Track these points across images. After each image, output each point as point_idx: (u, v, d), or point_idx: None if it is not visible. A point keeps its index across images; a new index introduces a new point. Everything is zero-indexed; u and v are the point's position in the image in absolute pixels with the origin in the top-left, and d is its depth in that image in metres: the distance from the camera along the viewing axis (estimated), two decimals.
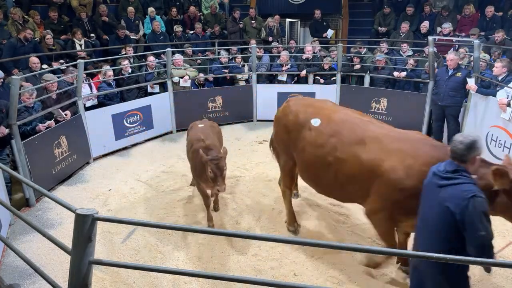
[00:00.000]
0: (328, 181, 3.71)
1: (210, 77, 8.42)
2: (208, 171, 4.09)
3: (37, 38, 8.01)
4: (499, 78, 6.01)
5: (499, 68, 5.95)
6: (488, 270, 2.90)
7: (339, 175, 3.55)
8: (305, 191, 5.47)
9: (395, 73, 7.83)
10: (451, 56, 6.34)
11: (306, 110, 4.03)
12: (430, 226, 2.53)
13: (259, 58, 8.69)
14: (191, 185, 5.63)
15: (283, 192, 4.60)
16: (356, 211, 4.88)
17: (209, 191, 4.51)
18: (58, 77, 6.43)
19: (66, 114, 5.91)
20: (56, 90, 5.90)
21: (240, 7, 10.88)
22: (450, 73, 6.38)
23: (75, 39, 8.28)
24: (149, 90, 7.61)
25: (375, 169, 3.27)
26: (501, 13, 9.08)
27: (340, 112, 3.89)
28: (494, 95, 5.96)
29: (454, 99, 6.41)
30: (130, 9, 9.40)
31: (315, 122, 3.85)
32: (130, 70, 7.39)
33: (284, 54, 8.57)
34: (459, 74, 6.34)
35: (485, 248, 2.30)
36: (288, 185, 4.51)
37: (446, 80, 6.39)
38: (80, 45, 8.37)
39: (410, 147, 3.20)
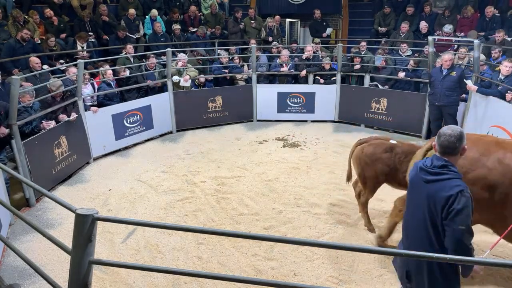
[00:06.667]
0: None
1: (209, 77, 8.43)
2: None
3: (36, 38, 8.01)
4: (502, 78, 5.97)
5: (508, 67, 5.83)
6: (465, 273, 2.51)
7: None
8: (305, 190, 5.48)
9: (400, 74, 7.80)
10: (447, 56, 6.34)
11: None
12: (418, 221, 2.51)
13: (257, 58, 8.69)
14: None
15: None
16: (356, 211, 4.88)
17: None
18: (59, 77, 6.44)
19: (73, 116, 5.92)
20: (60, 96, 5.91)
21: (240, 7, 10.88)
22: (444, 72, 6.39)
23: (77, 42, 8.31)
24: (152, 84, 7.63)
25: None
26: (498, 13, 9.07)
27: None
28: (495, 95, 5.96)
29: (450, 99, 6.42)
30: (132, 11, 9.40)
31: None
32: (128, 72, 7.38)
33: (285, 54, 8.56)
34: (453, 73, 6.34)
35: (462, 243, 2.26)
36: None
37: (441, 80, 6.41)
38: (82, 46, 8.40)
39: None
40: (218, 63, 8.54)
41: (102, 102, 6.90)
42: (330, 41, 10.74)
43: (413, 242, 2.55)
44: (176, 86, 7.80)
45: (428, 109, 7.09)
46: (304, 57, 8.54)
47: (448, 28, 8.63)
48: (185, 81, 7.81)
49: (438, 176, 2.39)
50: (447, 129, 2.44)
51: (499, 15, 8.97)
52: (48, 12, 8.55)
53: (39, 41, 8.05)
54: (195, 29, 9.89)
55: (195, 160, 6.61)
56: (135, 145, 7.24)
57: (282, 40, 10.38)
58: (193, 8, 10.34)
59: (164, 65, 7.67)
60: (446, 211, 2.30)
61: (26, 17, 8.30)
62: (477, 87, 6.27)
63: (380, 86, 8.21)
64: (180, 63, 7.79)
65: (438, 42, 8.34)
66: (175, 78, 7.70)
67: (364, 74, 8.23)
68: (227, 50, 8.87)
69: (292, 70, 8.51)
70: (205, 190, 5.56)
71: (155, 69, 7.83)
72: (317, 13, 10.23)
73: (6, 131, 4.84)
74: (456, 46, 8.14)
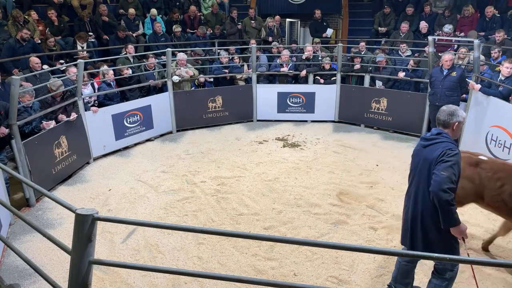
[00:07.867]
0: None
1: (208, 77, 8.44)
2: None
3: (36, 38, 8.01)
4: (503, 79, 5.96)
5: (509, 69, 5.81)
6: (445, 224, 2.69)
7: None
8: (305, 190, 5.48)
9: (400, 74, 7.78)
10: (447, 56, 6.33)
11: None
12: (417, 183, 2.92)
13: (257, 58, 8.69)
14: None
15: None
16: (357, 211, 4.88)
17: None
18: (59, 77, 6.44)
19: (73, 116, 5.92)
20: (60, 96, 5.90)
21: (240, 7, 10.87)
22: (445, 73, 6.37)
23: (77, 42, 8.32)
24: (153, 84, 7.64)
25: None
26: (498, 14, 9.06)
27: None
28: (497, 96, 5.95)
29: (451, 99, 6.39)
30: (131, 11, 9.39)
31: None
32: (130, 71, 7.38)
33: (285, 54, 8.55)
34: (454, 74, 6.33)
35: (441, 187, 2.58)
36: None
37: (442, 80, 6.39)
38: (82, 46, 8.40)
39: None
40: (218, 63, 8.54)
41: (102, 102, 6.89)
42: (330, 41, 10.74)
43: (413, 202, 2.97)
44: (176, 86, 7.80)
45: (428, 109, 7.09)
46: (304, 57, 8.54)
47: (448, 28, 8.63)
48: (187, 74, 7.79)
49: (433, 141, 2.86)
50: (444, 107, 2.93)
51: (499, 15, 8.97)
52: (51, 13, 8.55)
53: (39, 41, 8.05)
54: (194, 32, 9.90)
55: (195, 160, 6.61)
56: (135, 145, 7.24)
57: (282, 40, 10.37)
58: (193, 8, 10.35)
59: (164, 65, 7.67)
60: (436, 163, 2.72)
61: (26, 17, 8.31)
62: (480, 86, 6.24)
63: (379, 85, 8.17)
64: (179, 63, 7.79)
65: (438, 42, 8.34)
66: (175, 78, 7.71)
67: (364, 74, 8.23)
68: (227, 50, 8.87)
69: (292, 71, 8.51)
70: (205, 190, 5.56)
71: (154, 69, 7.83)
72: (317, 13, 10.23)
73: (6, 131, 4.84)
74: (456, 46, 8.14)
